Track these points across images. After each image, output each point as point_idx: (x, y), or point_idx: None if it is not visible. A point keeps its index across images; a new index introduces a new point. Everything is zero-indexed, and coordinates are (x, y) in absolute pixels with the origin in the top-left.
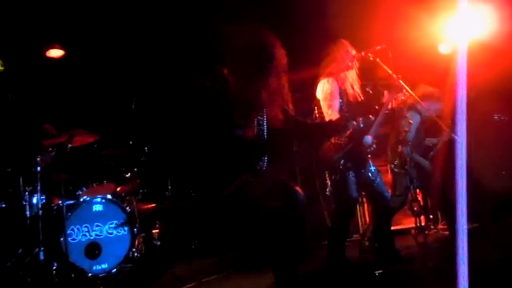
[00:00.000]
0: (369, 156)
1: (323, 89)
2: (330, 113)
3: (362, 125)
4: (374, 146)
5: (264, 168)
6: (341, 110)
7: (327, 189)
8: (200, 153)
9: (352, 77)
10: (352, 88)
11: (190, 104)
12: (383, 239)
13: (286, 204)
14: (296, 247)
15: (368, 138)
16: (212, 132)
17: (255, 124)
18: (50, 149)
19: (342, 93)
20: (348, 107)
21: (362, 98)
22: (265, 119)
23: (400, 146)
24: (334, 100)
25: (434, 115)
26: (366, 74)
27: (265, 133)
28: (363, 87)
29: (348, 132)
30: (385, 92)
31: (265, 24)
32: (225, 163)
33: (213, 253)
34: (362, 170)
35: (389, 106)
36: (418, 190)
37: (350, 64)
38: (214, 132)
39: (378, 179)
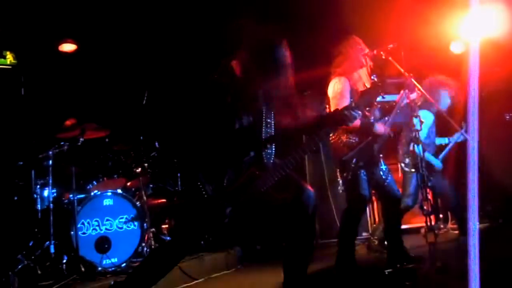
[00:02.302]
0: (381, 155)
1: (334, 88)
2: None
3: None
4: (387, 133)
5: (271, 161)
6: None
7: (339, 187)
8: (208, 146)
9: (364, 75)
10: (364, 87)
11: (198, 97)
12: (393, 238)
13: (297, 201)
14: (306, 244)
15: (379, 126)
16: (220, 125)
17: (263, 118)
18: (63, 142)
19: (354, 93)
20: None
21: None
22: (272, 114)
23: (411, 145)
24: (343, 99)
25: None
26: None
27: (272, 127)
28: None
29: (357, 124)
30: (402, 92)
31: (278, 26)
32: (233, 156)
33: (222, 248)
34: (374, 169)
35: (402, 105)
36: (428, 189)
37: (363, 61)
38: (222, 124)
39: (389, 178)
